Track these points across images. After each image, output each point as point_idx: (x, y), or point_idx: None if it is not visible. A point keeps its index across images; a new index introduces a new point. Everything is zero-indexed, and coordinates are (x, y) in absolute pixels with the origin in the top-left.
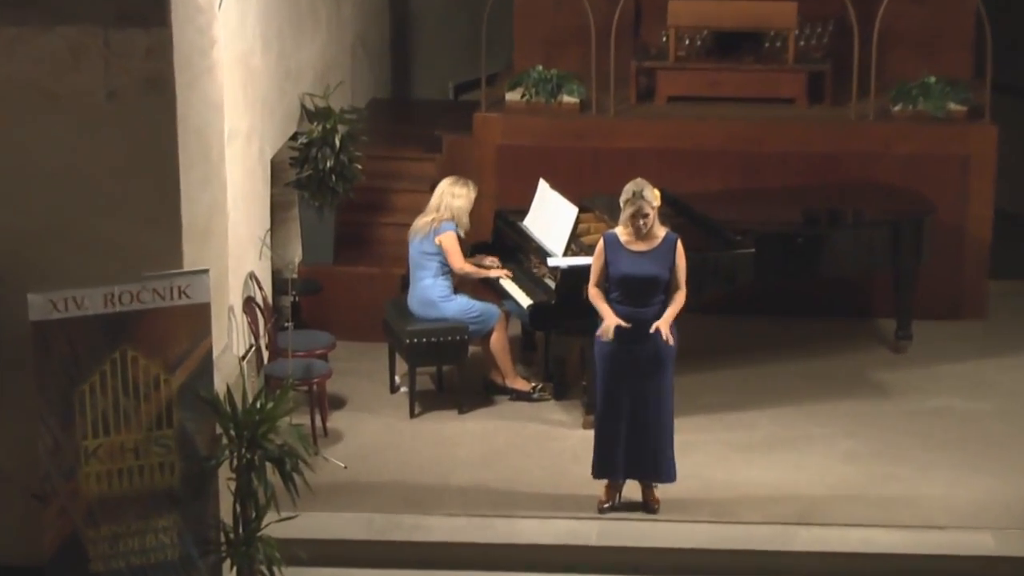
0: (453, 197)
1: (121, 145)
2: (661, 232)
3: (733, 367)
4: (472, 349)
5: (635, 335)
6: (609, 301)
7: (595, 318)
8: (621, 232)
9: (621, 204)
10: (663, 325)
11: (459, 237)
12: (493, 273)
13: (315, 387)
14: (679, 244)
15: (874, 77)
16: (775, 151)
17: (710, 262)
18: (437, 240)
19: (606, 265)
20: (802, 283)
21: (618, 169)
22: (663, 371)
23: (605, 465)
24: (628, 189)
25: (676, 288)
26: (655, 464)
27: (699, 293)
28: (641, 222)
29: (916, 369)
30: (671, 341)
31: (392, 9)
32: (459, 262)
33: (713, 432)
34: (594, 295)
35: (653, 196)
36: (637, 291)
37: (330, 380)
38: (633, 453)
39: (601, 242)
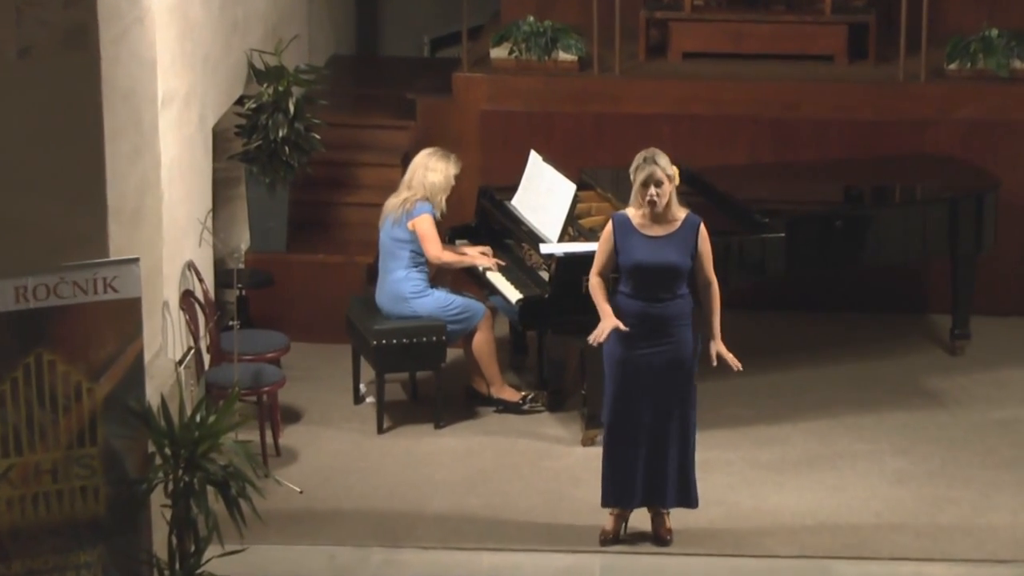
0: (429, 172)
1: (35, 111)
2: (681, 213)
3: (762, 372)
4: (452, 352)
5: (651, 336)
6: (617, 296)
7: (595, 316)
8: (633, 213)
9: (631, 175)
10: (720, 345)
11: (436, 220)
12: (480, 260)
13: (266, 397)
14: (702, 227)
15: (926, 30)
16: (810, 117)
17: (734, 249)
18: (410, 224)
19: (615, 252)
20: (842, 273)
21: (624, 139)
22: (686, 378)
23: (619, 492)
24: (638, 157)
25: (706, 283)
26: (677, 488)
27: (722, 285)
28: (654, 192)
29: (977, 374)
30: (738, 365)
31: None
32: (436, 250)
33: (738, 449)
34: (595, 287)
35: (667, 165)
36: (653, 283)
37: (283, 389)
38: (653, 477)
39: (609, 224)
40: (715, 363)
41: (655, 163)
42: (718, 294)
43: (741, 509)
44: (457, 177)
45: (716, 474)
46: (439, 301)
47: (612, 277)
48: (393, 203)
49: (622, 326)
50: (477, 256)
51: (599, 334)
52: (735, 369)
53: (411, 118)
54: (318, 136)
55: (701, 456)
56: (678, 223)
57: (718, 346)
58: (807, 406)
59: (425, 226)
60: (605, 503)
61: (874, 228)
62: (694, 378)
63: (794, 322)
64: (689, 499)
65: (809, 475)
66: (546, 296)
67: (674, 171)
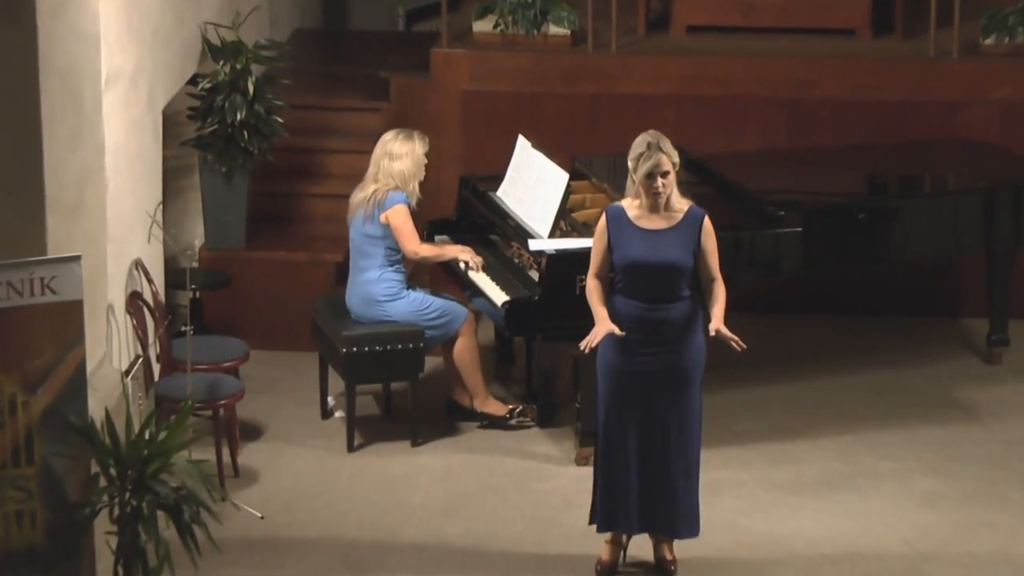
0: (392, 159)
1: None
2: (683, 205)
3: (776, 382)
4: (430, 361)
5: (650, 342)
6: (613, 297)
7: (591, 320)
8: (629, 204)
9: (631, 164)
10: (721, 324)
11: (412, 211)
12: (463, 255)
13: (222, 411)
14: (707, 221)
15: (959, 0)
16: (829, 98)
17: (745, 245)
18: (383, 217)
19: (609, 249)
20: (866, 272)
21: (622, 123)
22: (689, 389)
23: (610, 515)
24: (640, 142)
25: (710, 279)
26: (675, 514)
27: (731, 286)
28: (660, 184)
29: (1016, 384)
30: (740, 344)
31: None
32: (413, 243)
33: (750, 468)
34: (591, 290)
35: (673, 152)
36: (651, 283)
37: (242, 402)
38: (649, 499)
39: (603, 218)
40: (712, 335)
41: (661, 150)
42: (723, 291)
43: (753, 535)
44: (428, 155)
45: (725, 496)
46: (416, 304)
47: (611, 277)
48: (360, 197)
49: (617, 330)
50: (460, 250)
51: (591, 339)
52: (737, 349)
53: (384, 99)
54: (280, 120)
55: (708, 476)
56: (680, 216)
57: (718, 322)
58: (826, 420)
59: (400, 218)
60: (598, 527)
61: (901, 222)
62: (699, 389)
63: (812, 327)
64: (692, 527)
65: (828, 497)
66: (536, 298)
67: (676, 156)
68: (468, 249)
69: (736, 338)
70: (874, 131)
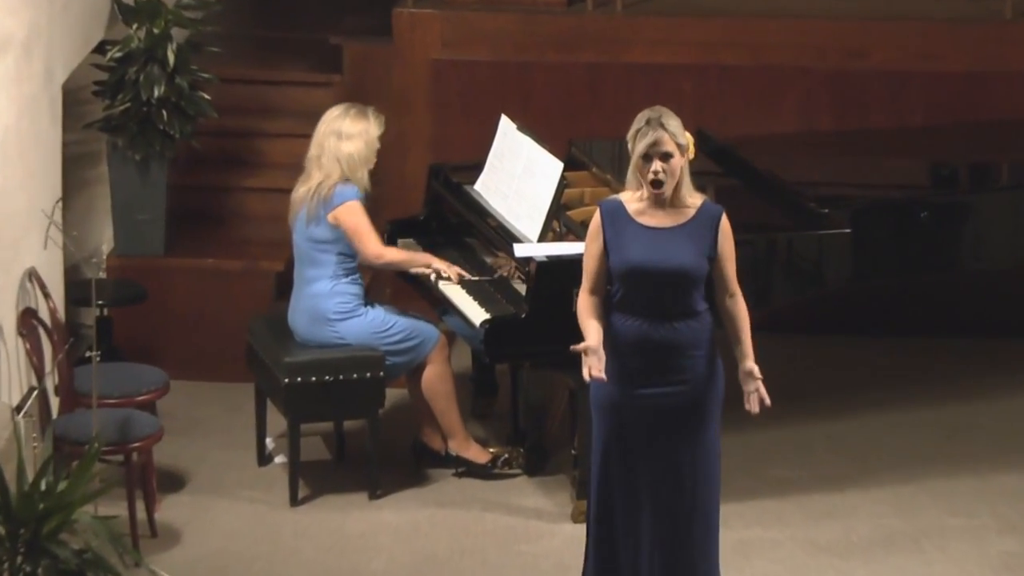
0: (341, 139)
1: None
2: (695, 200)
3: (817, 419)
4: (393, 393)
5: (655, 370)
6: (611, 314)
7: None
8: (630, 198)
9: (629, 144)
10: (755, 366)
11: (364, 204)
12: (436, 262)
13: (136, 456)
14: (724, 220)
15: None
16: (882, 69)
17: (780, 250)
18: (331, 217)
19: (606, 252)
20: (928, 283)
21: (629, 99)
22: (706, 427)
23: None
24: (639, 117)
25: (727, 293)
26: None
27: (762, 301)
28: (659, 168)
29: None
30: (766, 400)
31: None
32: (374, 245)
33: (787, 525)
34: (583, 309)
35: (680, 131)
36: (656, 294)
37: (160, 444)
38: (658, 565)
39: (597, 214)
40: (751, 391)
41: (661, 126)
42: (745, 311)
43: None
44: (384, 139)
45: (756, 560)
46: (376, 323)
47: (609, 291)
48: (303, 193)
49: (600, 354)
50: (433, 257)
51: (589, 367)
52: (754, 410)
53: (336, 71)
54: (208, 96)
55: (734, 536)
56: (691, 212)
57: (752, 364)
58: (880, 466)
59: (353, 217)
60: None
61: (972, 221)
62: (716, 430)
63: (862, 351)
64: None
65: (884, 561)
66: (522, 316)
67: (688, 140)
68: (439, 259)
69: (766, 396)
70: (938, 109)
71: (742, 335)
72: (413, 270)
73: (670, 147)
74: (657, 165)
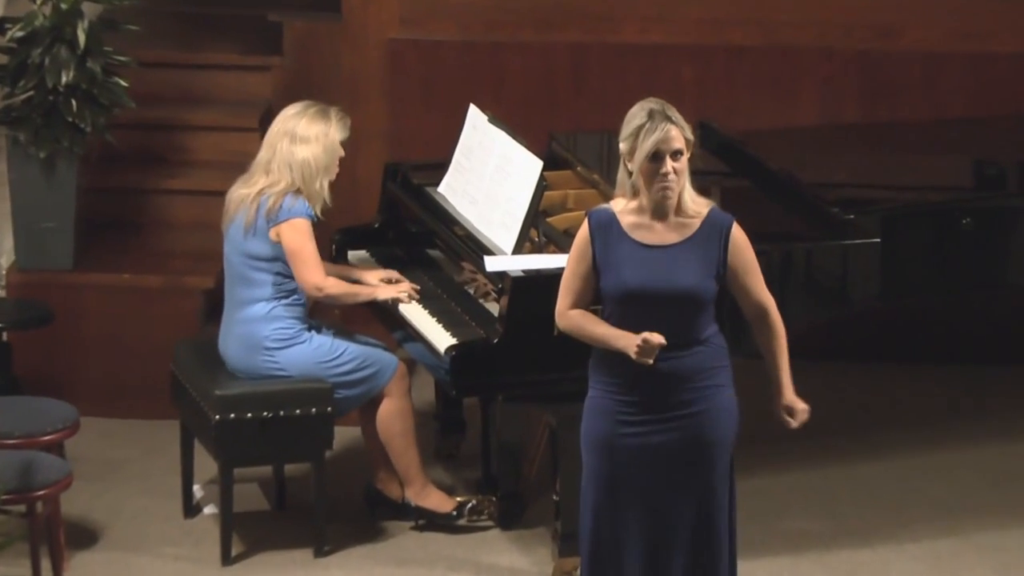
0: (295, 142)
1: None
2: (700, 206)
3: (842, 460)
4: (343, 432)
5: (656, 405)
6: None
7: (576, 373)
8: (623, 208)
9: (625, 145)
10: (795, 399)
11: (313, 223)
12: (386, 292)
13: (41, 505)
14: (736, 229)
15: None
16: (917, 50)
17: (798, 263)
18: (274, 233)
19: (594, 271)
20: (971, 301)
21: (620, 85)
22: (714, 470)
23: None
24: (638, 111)
25: (759, 311)
26: None
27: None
28: (670, 169)
29: None
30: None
31: None
32: (315, 275)
33: None
34: (577, 317)
35: (686, 124)
36: (657, 321)
37: (69, 492)
38: None
39: (584, 227)
40: (792, 423)
41: (669, 119)
42: (781, 323)
43: None
44: (345, 144)
45: None
46: (322, 351)
47: (595, 311)
48: (242, 196)
49: (659, 337)
50: (382, 287)
51: (640, 349)
52: (793, 424)
53: (275, 52)
54: (125, 83)
55: None
56: (696, 224)
57: (789, 397)
58: (915, 516)
59: (298, 238)
60: None
61: (1022, 229)
62: (731, 473)
63: (891, 381)
64: None
65: None
66: (495, 340)
67: (690, 131)
68: (395, 275)
69: (804, 411)
70: (983, 97)
71: (779, 359)
72: (362, 299)
73: (680, 142)
74: (668, 166)
